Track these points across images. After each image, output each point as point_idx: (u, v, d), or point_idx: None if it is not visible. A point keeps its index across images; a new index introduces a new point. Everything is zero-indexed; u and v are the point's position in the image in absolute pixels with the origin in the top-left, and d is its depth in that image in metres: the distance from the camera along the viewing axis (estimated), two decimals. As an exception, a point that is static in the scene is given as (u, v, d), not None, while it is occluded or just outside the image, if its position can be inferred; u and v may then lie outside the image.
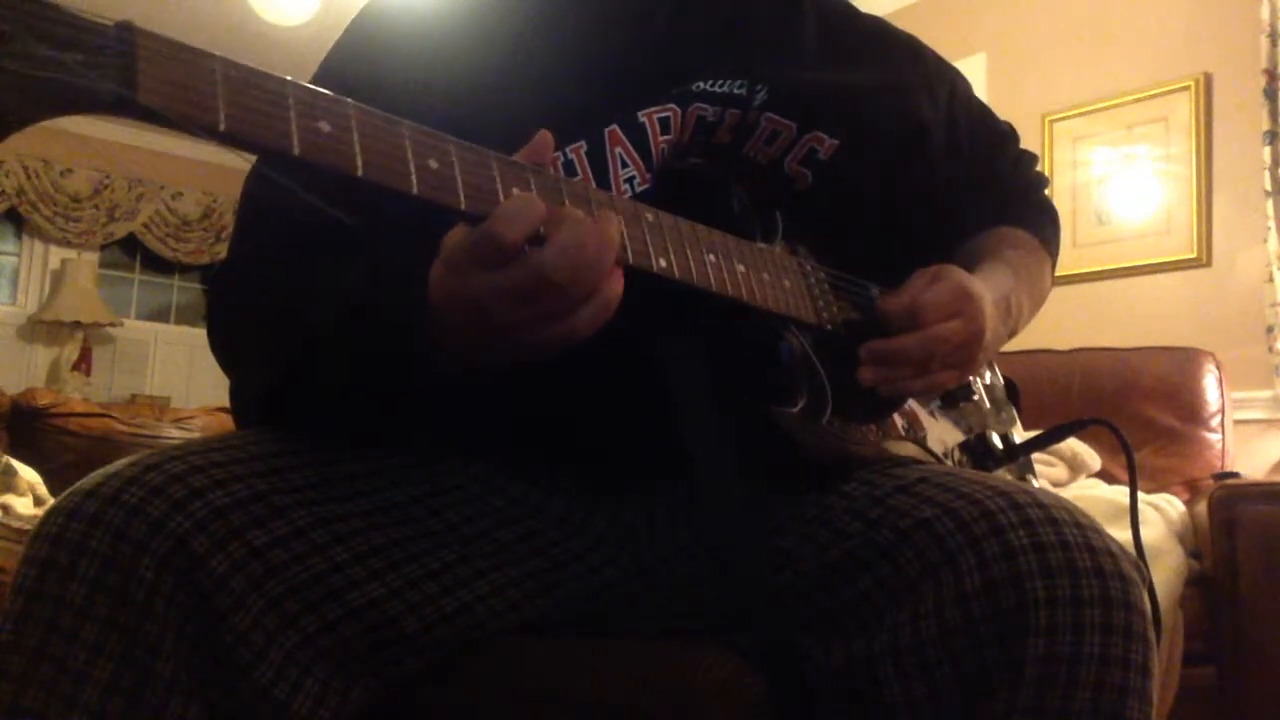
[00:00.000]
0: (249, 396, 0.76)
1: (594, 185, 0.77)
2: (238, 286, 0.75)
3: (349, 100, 0.55)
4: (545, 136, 0.63)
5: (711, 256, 0.71)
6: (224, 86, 0.50)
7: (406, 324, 0.62)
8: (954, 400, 0.93)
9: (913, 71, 0.97)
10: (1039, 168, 1.14)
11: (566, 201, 0.63)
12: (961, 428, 0.93)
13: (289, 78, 0.54)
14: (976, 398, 0.96)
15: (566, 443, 0.80)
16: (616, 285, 0.61)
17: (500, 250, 0.57)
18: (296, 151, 0.52)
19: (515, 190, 0.60)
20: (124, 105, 0.47)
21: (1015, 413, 1.03)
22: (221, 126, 0.50)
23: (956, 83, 1.03)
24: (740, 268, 0.74)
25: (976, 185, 1.02)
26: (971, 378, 0.96)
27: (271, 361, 0.70)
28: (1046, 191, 1.13)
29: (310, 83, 0.81)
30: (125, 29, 0.47)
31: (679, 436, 0.72)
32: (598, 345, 0.62)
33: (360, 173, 0.54)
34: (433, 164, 0.57)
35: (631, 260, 0.65)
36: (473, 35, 0.80)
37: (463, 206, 0.58)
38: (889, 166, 0.90)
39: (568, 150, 0.78)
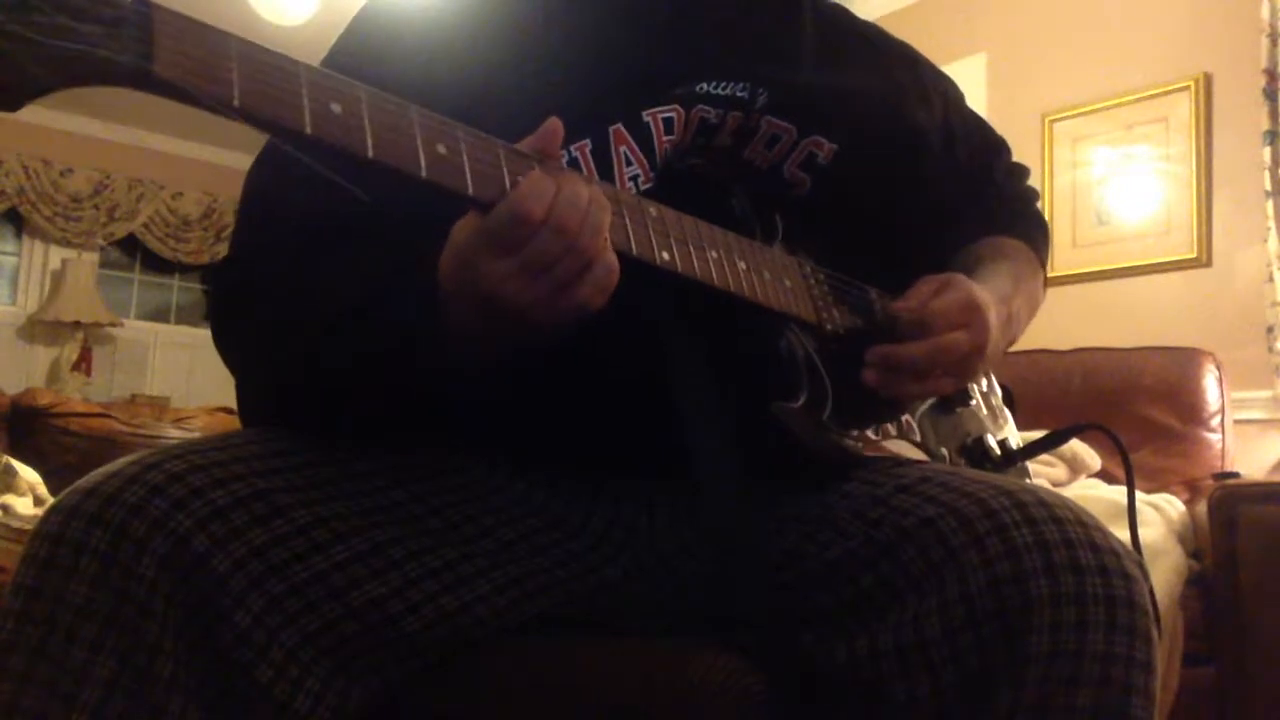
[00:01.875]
0: (258, 394, 0.75)
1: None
2: (242, 283, 0.75)
3: (360, 84, 0.55)
4: (555, 124, 0.63)
5: (714, 253, 0.72)
6: (239, 63, 0.50)
7: (420, 319, 0.63)
8: (951, 405, 0.93)
9: (909, 78, 0.98)
10: (1031, 174, 1.15)
11: None
12: (959, 433, 0.94)
13: (302, 61, 0.54)
14: (974, 403, 0.96)
15: (567, 441, 0.80)
16: (613, 255, 0.62)
17: (528, 226, 0.58)
18: (309, 130, 0.52)
19: (520, 179, 0.60)
20: (141, 77, 0.47)
21: (1011, 418, 1.04)
22: (236, 102, 0.50)
23: (950, 91, 1.04)
24: (742, 265, 0.74)
25: (972, 192, 1.03)
26: (969, 384, 0.96)
27: (282, 359, 0.70)
28: (1037, 204, 1.14)
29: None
30: (143, 3, 0.48)
31: (680, 434, 0.72)
32: (599, 342, 0.62)
33: (371, 154, 0.54)
34: (441, 149, 0.57)
35: (635, 251, 0.65)
36: (476, 34, 0.80)
37: (470, 191, 0.58)
38: (886, 171, 0.90)
39: (572, 148, 0.78)
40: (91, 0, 0.46)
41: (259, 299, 0.72)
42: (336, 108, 0.54)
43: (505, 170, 0.60)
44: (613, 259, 0.62)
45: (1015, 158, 1.12)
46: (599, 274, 0.61)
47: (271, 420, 0.74)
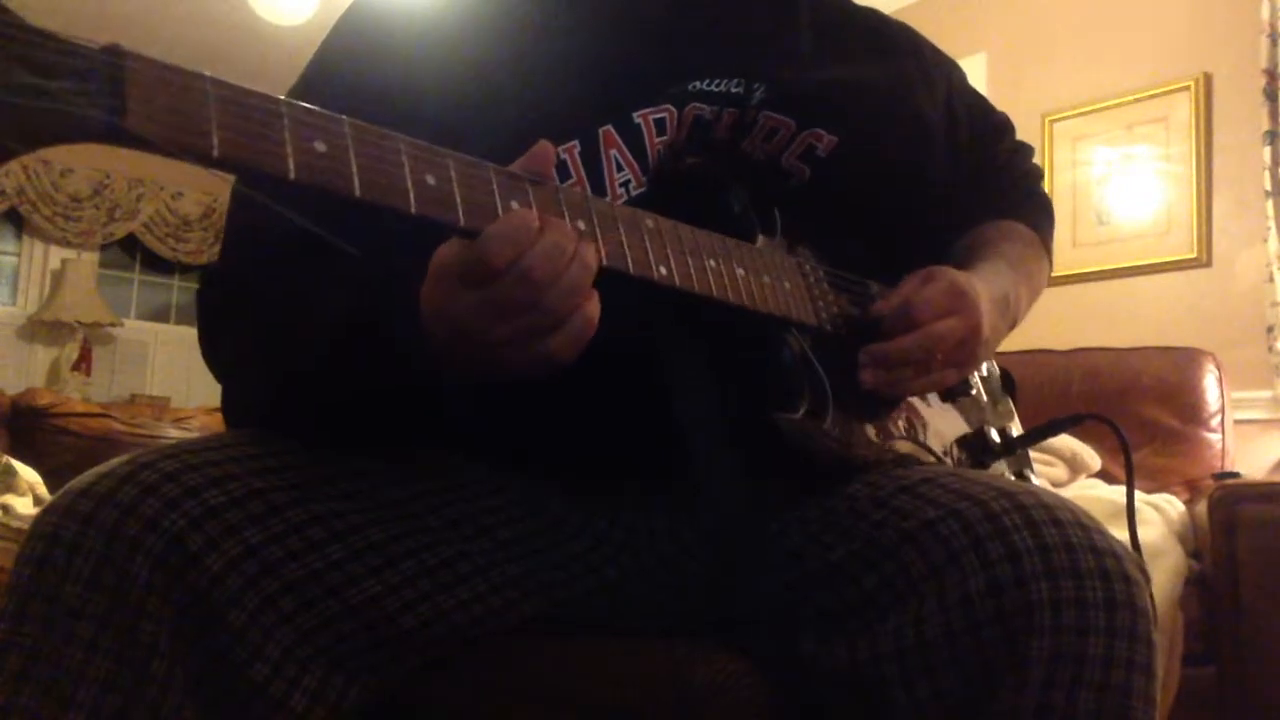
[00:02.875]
0: (241, 406, 0.75)
1: (588, 188, 0.77)
2: (228, 295, 0.75)
3: (344, 117, 0.54)
4: (545, 147, 0.62)
5: (712, 262, 0.71)
6: (217, 109, 0.48)
7: (404, 341, 0.62)
8: (952, 395, 0.93)
9: (911, 65, 0.97)
10: (1035, 160, 1.14)
11: (565, 214, 0.62)
12: (959, 423, 0.93)
13: (282, 96, 0.52)
14: (974, 392, 0.96)
15: (568, 444, 0.80)
16: (594, 308, 0.60)
17: (489, 271, 0.57)
18: (293, 175, 0.51)
19: (514, 204, 0.59)
20: (114, 134, 0.45)
21: (1012, 406, 1.03)
22: (215, 153, 0.48)
23: (954, 75, 1.02)
24: (740, 272, 0.73)
25: (974, 178, 1.02)
26: (971, 372, 0.96)
27: (265, 375, 0.70)
28: (1042, 184, 1.13)
29: (303, 79, 0.80)
30: (112, 52, 0.46)
31: (681, 440, 0.72)
32: (599, 344, 0.62)
33: (358, 194, 0.53)
34: (430, 180, 0.56)
35: (632, 269, 0.65)
36: (465, 34, 0.80)
37: (461, 224, 0.57)
38: (888, 162, 0.89)
39: (561, 150, 0.77)
40: (59, 54, 0.44)
41: (247, 308, 0.72)
42: (321, 146, 0.52)
43: (498, 198, 0.59)
44: (592, 313, 0.60)
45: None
46: (573, 329, 0.59)
47: (258, 427, 0.73)
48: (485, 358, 0.60)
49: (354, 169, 0.53)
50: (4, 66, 0.42)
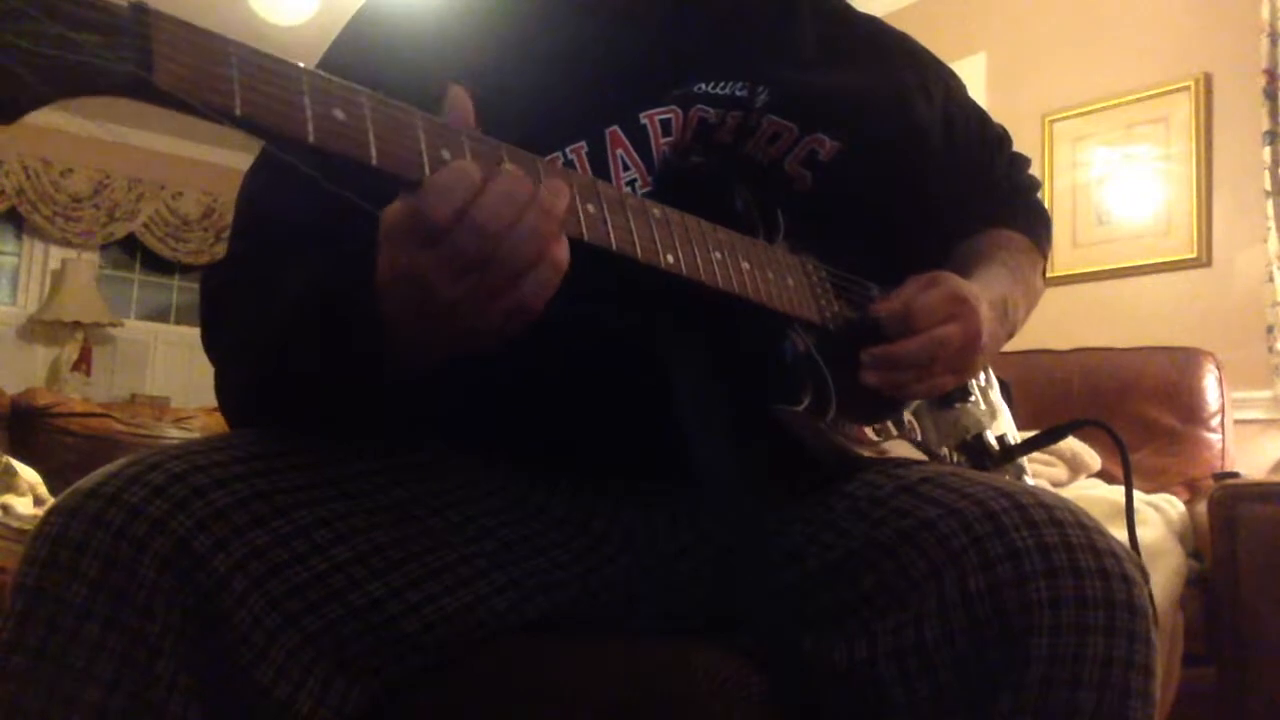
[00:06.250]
0: (230, 392, 0.75)
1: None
2: (226, 283, 0.75)
3: (363, 89, 0.55)
4: (457, 93, 0.60)
5: (718, 254, 0.71)
6: (240, 70, 0.49)
7: (358, 306, 0.60)
8: (951, 401, 0.93)
9: (909, 72, 0.98)
10: (1032, 170, 1.14)
11: (575, 197, 0.62)
12: (959, 429, 0.94)
13: (302, 64, 0.53)
14: (973, 398, 0.96)
15: (569, 443, 0.80)
16: (562, 251, 0.58)
17: (433, 226, 0.55)
18: (312, 139, 0.51)
19: (507, 165, 0.59)
20: (140, 87, 0.46)
21: (1010, 413, 1.04)
22: (238, 111, 0.49)
23: (951, 83, 1.03)
24: (745, 265, 0.74)
25: (973, 187, 1.03)
26: (970, 379, 0.97)
27: (245, 358, 0.70)
28: (1039, 194, 1.14)
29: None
30: (141, 10, 0.47)
31: (682, 436, 0.72)
32: (600, 342, 0.62)
33: (374, 161, 0.54)
34: (445, 154, 0.57)
35: (640, 255, 0.65)
36: (473, 35, 0.80)
37: None
38: (888, 168, 0.90)
39: (568, 150, 0.78)
40: (87, 7, 0.45)
41: (236, 299, 0.72)
42: (340, 113, 0.53)
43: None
44: (560, 256, 0.58)
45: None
46: (543, 274, 0.57)
47: (246, 419, 0.73)
48: (452, 322, 0.58)
49: (371, 137, 0.54)
50: (34, 16, 0.43)
